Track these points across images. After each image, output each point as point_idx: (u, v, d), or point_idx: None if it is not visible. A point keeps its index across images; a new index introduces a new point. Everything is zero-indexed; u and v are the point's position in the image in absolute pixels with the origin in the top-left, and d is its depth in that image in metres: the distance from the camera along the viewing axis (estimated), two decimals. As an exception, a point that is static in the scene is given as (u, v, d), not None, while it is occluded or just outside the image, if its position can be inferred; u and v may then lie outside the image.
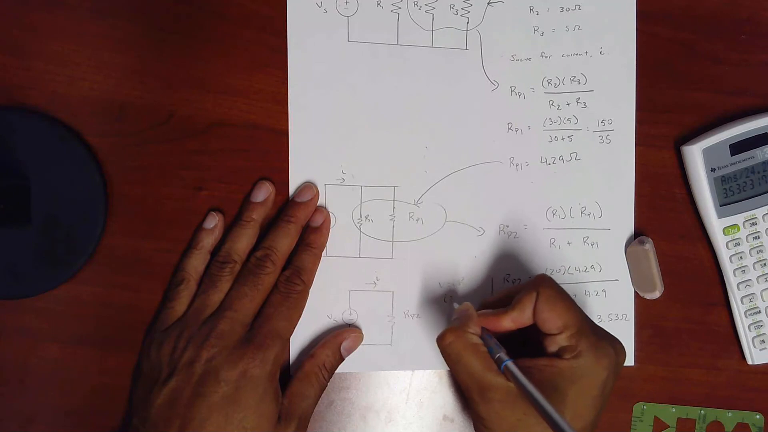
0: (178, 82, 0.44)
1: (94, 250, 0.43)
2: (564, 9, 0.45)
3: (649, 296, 0.46)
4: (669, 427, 0.47)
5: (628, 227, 0.46)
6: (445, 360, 0.39)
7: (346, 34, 0.44)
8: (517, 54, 0.45)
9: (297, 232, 0.44)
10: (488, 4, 0.45)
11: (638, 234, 0.46)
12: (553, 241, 0.46)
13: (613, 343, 0.39)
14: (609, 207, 0.46)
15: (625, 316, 0.46)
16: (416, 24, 0.45)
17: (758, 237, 0.45)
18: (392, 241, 0.45)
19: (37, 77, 0.43)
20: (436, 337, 0.39)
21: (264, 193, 0.44)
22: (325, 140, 0.45)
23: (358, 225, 0.45)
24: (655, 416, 0.47)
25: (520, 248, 0.46)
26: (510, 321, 0.39)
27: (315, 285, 0.44)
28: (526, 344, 0.39)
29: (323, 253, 0.45)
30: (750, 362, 0.46)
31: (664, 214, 0.47)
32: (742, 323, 0.46)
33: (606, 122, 0.46)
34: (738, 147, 0.44)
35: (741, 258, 0.45)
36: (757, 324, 0.46)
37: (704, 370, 0.47)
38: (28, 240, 0.42)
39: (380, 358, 0.45)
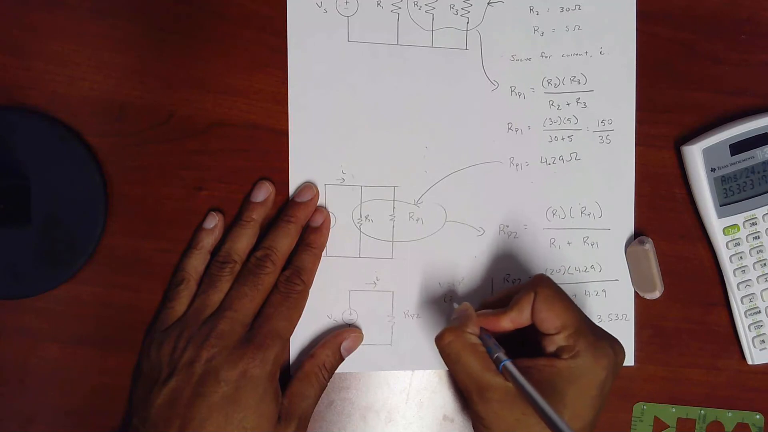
0: (178, 82, 0.44)
1: (94, 250, 0.43)
2: (564, 9, 0.45)
3: (649, 296, 0.46)
4: (669, 427, 0.47)
5: (628, 227, 0.46)
6: (443, 360, 0.39)
7: (346, 34, 0.44)
8: (517, 54, 0.45)
9: (297, 232, 0.44)
10: (488, 4, 0.45)
11: (638, 234, 0.46)
12: (553, 241, 0.46)
13: (611, 343, 0.39)
14: (609, 207, 0.46)
15: (625, 316, 0.46)
16: (416, 24, 0.45)
17: (758, 237, 0.45)
18: (392, 241, 0.45)
19: (37, 77, 0.43)
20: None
21: (264, 193, 0.44)
22: (325, 140, 0.45)
23: (358, 225, 0.45)
24: (655, 416, 0.47)
25: (520, 248, 0.46)
26: (508, 321, 0.39)
27: (315, 285, 0.44)
28: (525, 344, 0.39)
29: (323, 253, 0.45)
30: (750, 362, 0.46)
31: (664, 214, 0.47)
32: (742, 323, 0.46)
33: (606, 122, 0.46)
34: (738, 147, 0.44)
35: (741, 258, 0.45)
36: (757, 324, 0.46)
37: (704, 370, 0.47)
38: (28, 240, 0.42)
39: (380, 358, 0.45)
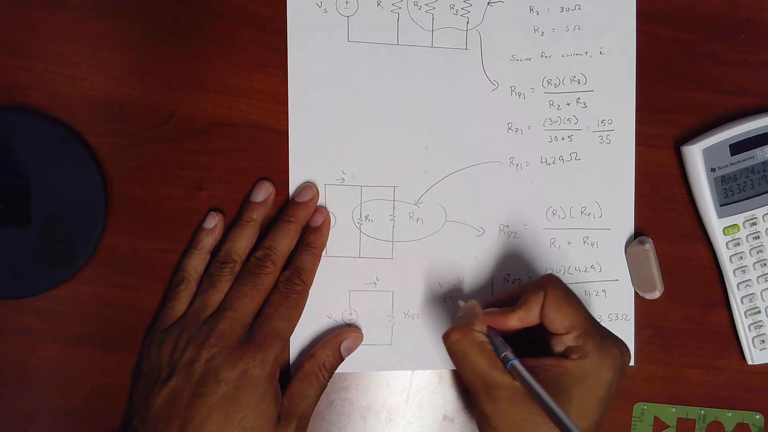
0: (178, 82, 0.44)
1: (94, 250, 0.43)
2: (564, 9, 0.45)
3: (649, 296, 0.46)
4: (669, 427, 0.47)
5: (628, 227, 0.46)
6: (450, 358, 0.39)
7: (346, 34, 0.44)
8: (517, 54, 0.45)
9: (297, 232, 0.44)
10: (488, 4, 0.45)
11: (638, 234, 0.46)
12: (553, 241, 0.46)
13: (618, 344, 0.39)
14: (609, 207, 0.46)
15: (625, 316, 0.46)
16: (416, 24, 0.45)
17: (758, 237, 0.45)
18: (392, 241, 0.45)
19: (37, 77, 0.43)
20: (438, 336, 0.39)
21: (264, 193, 0.44)
22: (325, 140, 0.45)
23: (358, 225, 0.45)
24: (655, 416, 0.47)
25: (520, 248, 0.46)
26: (517, 320, 0.39)
27: (315, 285, 0.44)
28: (532, 344, 0.39)
29: (323, 253, 0.45)
30: (750, 362, 0.46)
31: (664, 214, 0.47)
32: (742, 323, 0.46)
33: (606, 122, 0.46)
34: (738, 147, 0.44)
35: (741, 258, 0.45)
36: (757, 324, 0.46)
37: (704, 370, 0.47)
38: (28, 240, 0.42)
39: (380, 358, 0.45)
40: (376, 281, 0.45)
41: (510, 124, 0.46)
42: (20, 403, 0.44)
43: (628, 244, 0.46)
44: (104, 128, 0.43)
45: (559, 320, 0.38)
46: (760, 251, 0.45)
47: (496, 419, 0.37)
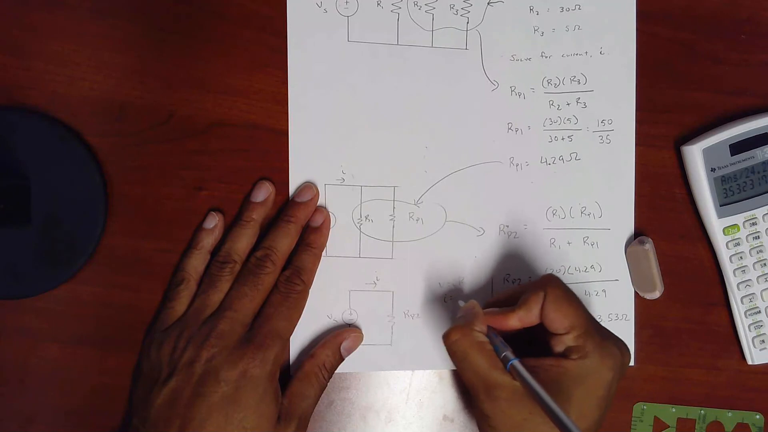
0: (178, 82, 0.44)
1: (94, 250, 0.43)
2: (564, 9, 0.45)
3: (649, 296, 0.46)
4: (669, 427, 0.47)
5: (628, 227, 0.46)
6: (450, 358, 0.39)
7: (346, 34, 0.44)
8: (517, 54, 0.45)
9: (297, 232, 0.44)
10: (488, 4, 0.45)
11: (638, 234, 0.46)
12: (553, 241, 0.46)
13: (618, 344, 0.39)
14: (609, 207, 0.46)
15: (625, 316, 0.46)
16: (416, 24, 0.45)
17: (758, 237, 0.45)
18: (392, 241, 0.45)
19: (37, 77, 0.43)
20: (438, 336, 0.39)
21: (264, 193, 0.44)
22: (325, 140, 0.45)
23: (358, 225, 0.45)
24: (655, 416, 0.47)
25: (520, 248, 0.46)
26: (517, 320, 0.38)
27: (315, 285, 0.44)
28: (532, 344, 0.39)
29: (323, 253, 0.45)
30: (750, 362, 0.46)
31: (664, 214, 0.47)
32: (742, 323, 0.46)
33: (606, 122, 0.46)
34: (738, 147, 0.44)
35: (741, 258, 0.45)
36: (757, 324, 0.46)
37: (704, 370, 0.47)
38: (28, 240, 0.42)
39: (380, 358, 0.45)
40: (376, 281, 0.45)
41: (510, 124, 0.46)
42: (20, 403, 0.44)
43: (628, 244, 0.46)
44: (104, 128, 0.43)
45: (559, 320, 0.38)
46: (760, 251, 0.45)
47: (496, 419, 0.37)
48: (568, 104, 0.46)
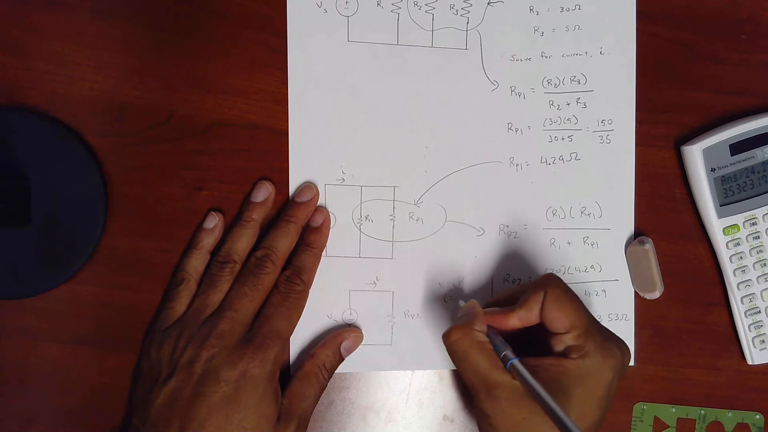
0: (178, 82, 0.44)
1: (94, 250, 0.43)
2: (564, 9, 0.45)
3: (649, 296, 0.46)
4: (669, 427, 0.47)
5: (628, 227, 0.46)
6: (450, 357, 0.39)
7: (346, 34, 0.44)
8: (517, 54, 0.45)
9: (297, 232, 0.44)
10: (488, 4, 0.45)
11: (638, 234, 0.46)
12: (553, 241, 0.46)
13: (618, 344, 0.39)
14: (609, 207, 0.46)
15: (625, 316, 0.46)
16: (416, 24, 0.45)
17: (758, 237, 0.45)
18: (392, 241, 0.45)
19: (37, 77, 0.43)
20: (438, 336, 0.39)
21: (264, 193, 0.44)
22: (325, 140, 0.45)
23: (358, 225, 0.45)
24: (655, 416, 0.47)
25: (520, 248, 0.46)
26: (517, 319, 0.38)
27: (315, 285, 0.44)
28: (532, 343, 0.39)
29: (323, 253, 0.45)
30: (750, 362, 0.46)
31: (664, 214, 0.47)
32: (742, 323, 0.46)
33: (606, 122, 0.46)
34: (738, 147, 0.44)
35: (741, 258, 0.45)
36: (757, 324, 0.46)
37: (704, 370, 0.47)
38: (28, 240, 0.42)
39: (380, 358, 0.45)
40: (376, 281, 0.45)
41: (510, 124, 0.46)
42: (20, 403, 0.44)
43: (628, 244, 0.46)
44: (104, 128, 0.43)
45: (559, 319, 0.38)
46: (760, 251, 0.45)
47: (496, 419, 0.37)
48: (568, 104, 0.46)
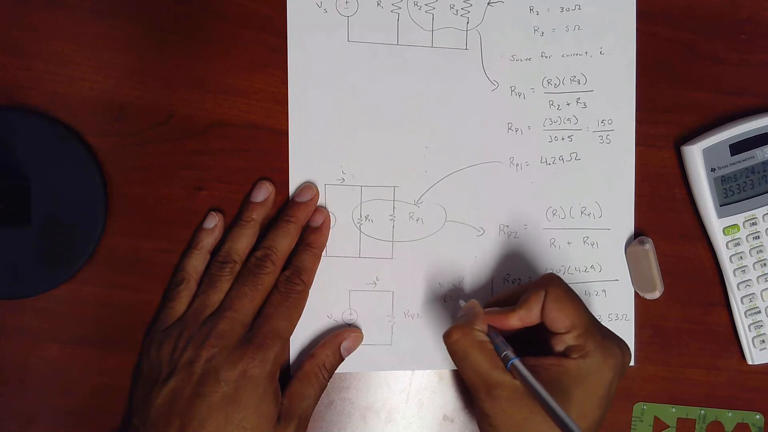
0: (178, 82, 0.44)
1: (94, 250, 0.43)
2: (564, 9, 0.45)
3: (649, 296, 0.46)
4: (669, 427, 0.47)
5: (628, 227, 0.46)
6: (451, 357, 0.39)
7: (346, 34, 0.44)
8: (517, 54, 0.45)
9: (297, 232, 0.44)
10: (488, 4, 0.45)
11: (638, 234, 0.46)
12: (553, 241, 0.46)
13: (619, 344, 0.39)
14: (609, 207, 0.46)
15: (625, 316, 0.46)
16: (416, 24, 0.45)
17: (758, 237, 0.45)
18: (392, 241, 0.45)
19: (37, 77, 0.43)
20: (438, 335, 0.39)
21: (264, 193, 0.44)
22: (325, 140, 0.45)
23: (358, 225, 0.45)
24: (655, 416, 0.47)
25: (520, 248, 0.46)
26: (517, 319, 0.38)
27: (315, 285, 0.44)
28: (532, 343, 0.39)
29: (323, 253, 0.45)
30: (750, 362, 0.46)
31: (664, 214, 0.47)
32: (742, 323, 0.46)
33: (606, 122, 0.46)
34: (738, 147, 0.44)
35: (741, 258, 0.45)
36: (757, 324, 0.46)
37: (704, 370, 0.47)
38: (28, 240, 0.42)
39: (380, 358, 0.45)
40: (376, 281, 0.45)
41: (510, 124, 0.46)
42: (20, 403, 0.44)
43: (628, 244, 0.46)
44: (104, 128, 0.43)
45: (560, 319, 0.38)
46: (760, 251, 0.45)
47: (496, 418, 0.37)
48: (568, 104, 0.46)
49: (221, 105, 0.44)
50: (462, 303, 0.41)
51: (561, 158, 0.46)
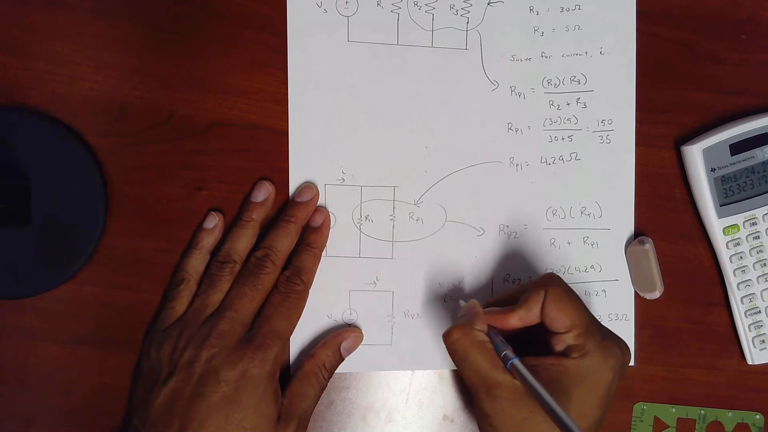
0: (178, 82, 0.44)
1: (94, 250, 0.43)
2: (564, 9, 0.45)
3: (649, 296, 0.46)
4: (669, 427, 0.47)
5: (628, 227, 0.46)
6: (451, 357, 0.39)
7: (346, 34, 0.44)
8: (517, 54, 0.45)
9: (297, 232, 0.44)
10: (488, 4, 0.45)
11: (638, 234, 0.46)
12: (553, 241, 0.46)
13: (619, 343, 0.39)
14: (609, 207, 0.46)
15: (625, 316, 0.46)
16: (416, 24, 0.45)
17: (758, 237, 0.45)
18: (392, 241, 0.45)
19: (37, 77, 0.43)
20: (438, 335, 0.39)
21: (264, 193, 0.44)
22: (325, 140, 0.45)
23: (358, 225, 0.45)
24: (655, 416, 0.47)
25: (520, 248, 0.46)
26: (517, 319, 0.39)
27: (315, 285, 0.44)
28: (532, 343, 0.39)
29: (323, 253, 0.45)
30: (750, 362, 0.46)
31: (664, 214, 0.47)
32: (742, 323, 0.46)
33: (606, 122, 0.46)
34: (738, 147, 0.44)
35: (741, 258, 0.45)
36: (757, 324, 0.46)
37: (704, 370, 0.47)
38: (28, 240, 0.42)
39: (380, 358, 0.45)
40: (376, 281, 0.45)
41: (510, 124, 0.46)
42: (20, 403, 0.44)
43: (628, 244, 0.46)
44: (104, 128, 0.43)
45: (560, 319, 0.38)
46: (760, 251, 0.45)
47: (496, 418, 0.37)
48: (568, 104, 0.46)
49: (221, 105, 0.44)
50: (462, 303, 0.41)
51: (561, 158, 0.46)
